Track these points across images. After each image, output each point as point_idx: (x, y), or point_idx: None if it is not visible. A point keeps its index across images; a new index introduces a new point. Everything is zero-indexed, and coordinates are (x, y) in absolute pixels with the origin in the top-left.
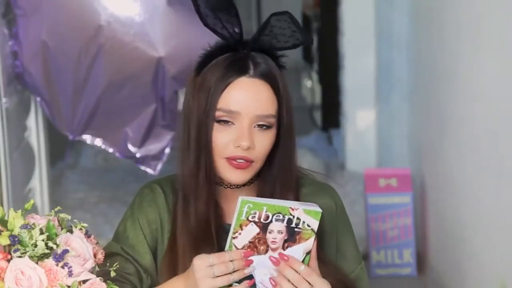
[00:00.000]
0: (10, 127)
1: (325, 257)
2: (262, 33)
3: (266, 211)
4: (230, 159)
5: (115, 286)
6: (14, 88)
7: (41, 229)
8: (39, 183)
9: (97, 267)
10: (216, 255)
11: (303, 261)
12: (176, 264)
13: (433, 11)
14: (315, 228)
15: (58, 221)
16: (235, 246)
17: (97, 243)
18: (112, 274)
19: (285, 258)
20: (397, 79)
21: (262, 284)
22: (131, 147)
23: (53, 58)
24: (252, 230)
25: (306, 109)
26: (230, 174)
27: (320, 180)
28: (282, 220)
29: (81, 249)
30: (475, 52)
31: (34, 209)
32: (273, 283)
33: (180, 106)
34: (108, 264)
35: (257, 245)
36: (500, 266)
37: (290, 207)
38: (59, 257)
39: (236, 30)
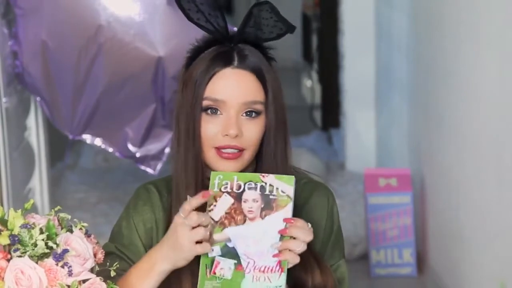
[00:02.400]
0: (10, 127)
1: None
2: (247, 25)
3: (237, 181)
4: (219, 150)
5: (115, 286)
6: (14, 88)
7: (41, 229)
8: (39, 183)
9: (97, 267)
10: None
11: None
12: None
13: (433, 11)
14: (291, 194)
15: (58, 220)
16: (212, 219)
17: (97, 242)
18: (112, 273)
19: (292, 221)
20: (397, 79)
21: (246, 256)
22: (131, 147)
23: (53, 58)
24: (226, 201)
25: (306, 109)
26: (220, 164)
27: (316, 178)
28: (255, 188)
29: (81, 248)
30: (475, 52)
31: (34, 209)
32: (276, 253)
33: None
34: (108, 264)
35: (234, 216)
36: (500, 266)
37: (261, 174)
38: (59, 257)
39: (220, 23)
